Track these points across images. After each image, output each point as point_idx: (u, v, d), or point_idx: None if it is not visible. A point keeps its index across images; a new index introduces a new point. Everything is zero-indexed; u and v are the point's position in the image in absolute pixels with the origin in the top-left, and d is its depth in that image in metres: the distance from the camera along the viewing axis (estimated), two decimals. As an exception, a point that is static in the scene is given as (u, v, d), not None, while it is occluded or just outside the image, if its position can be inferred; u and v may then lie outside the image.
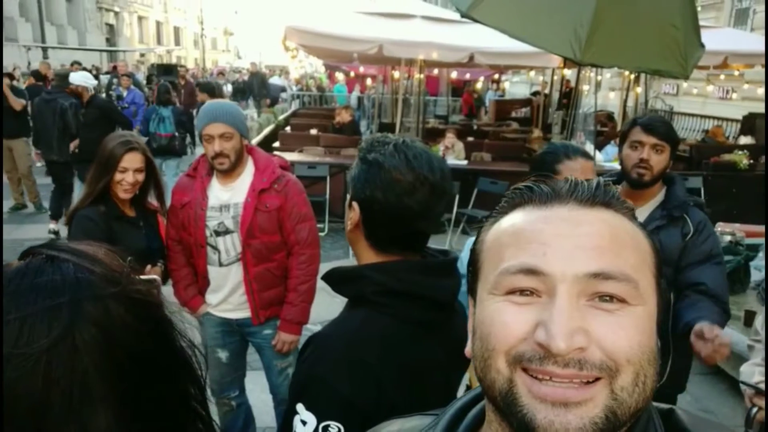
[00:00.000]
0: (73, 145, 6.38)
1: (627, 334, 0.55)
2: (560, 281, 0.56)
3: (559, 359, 0.53)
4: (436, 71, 14.06)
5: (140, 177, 2.47)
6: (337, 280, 1.18)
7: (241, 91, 17.06)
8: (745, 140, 9.79)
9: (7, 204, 7.60)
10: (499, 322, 0.58)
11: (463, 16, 3.30)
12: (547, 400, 0.54)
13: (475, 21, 3.31)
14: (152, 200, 2.67)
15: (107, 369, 0.61)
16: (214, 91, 6.90)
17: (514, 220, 0.63)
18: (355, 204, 1.18)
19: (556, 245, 0.57)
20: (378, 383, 1.05)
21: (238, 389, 2.82)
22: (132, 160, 2.43)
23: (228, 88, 17.05)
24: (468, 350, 0.64)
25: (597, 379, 0.54)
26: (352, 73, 14.67)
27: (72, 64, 12.99)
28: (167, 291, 2.65)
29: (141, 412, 0.63)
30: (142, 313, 0.65)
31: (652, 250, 0.62)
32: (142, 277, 0.70)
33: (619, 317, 0.56)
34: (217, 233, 2.49)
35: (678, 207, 2.19)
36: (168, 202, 2.67)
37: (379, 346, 1.08)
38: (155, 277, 0.74)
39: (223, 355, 2.69)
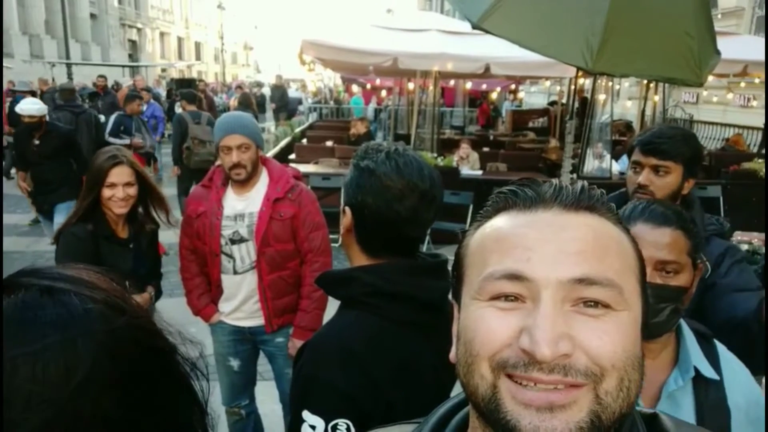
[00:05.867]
0: (22, 179, 5.66)
1: (612, 339, 0.54)
2: (544, 287, 0.55)
3: (544, 366, 0.53)
4: (452, 82, 14.09)
5: (131, 191, 2.45)
6: (329, 282, 1.20)
7: (260, 105, 17.24)
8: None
9: (29, 217, 7.74)
10: (483, 327, 0.57)
11: (474, 27, 3.30)
12: (532, 405, 0.53)
13: (487, 32, 3.32)
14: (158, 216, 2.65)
15: (119, 398, 0.57)
16: (195, 99, 7.04)
17: (498, 224, 0.62)
18: (347, 209, 1.21)
19: (540, 250, 0.57)
20: (373, 380, 1.06)
21: (248, 398, 2.83)
22: (120, 174, 2.41)
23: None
24: (452, 355, 0.63)
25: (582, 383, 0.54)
26: (369, 86, 14.74)
27: (98, 78, 13.19)
28: (172, 303, 2.68)
29: None
30: (147, 342, 0.62)
31: (637, 255, 0.61)
32: (136, 296, 0.68)
33: (604, 322, 0.55)
34: (233, 241, 2.52)
35: None
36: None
37: (368, 345, 1.09)
38: (145, 296, 0.72)
39: (234, 363, 2.71)
